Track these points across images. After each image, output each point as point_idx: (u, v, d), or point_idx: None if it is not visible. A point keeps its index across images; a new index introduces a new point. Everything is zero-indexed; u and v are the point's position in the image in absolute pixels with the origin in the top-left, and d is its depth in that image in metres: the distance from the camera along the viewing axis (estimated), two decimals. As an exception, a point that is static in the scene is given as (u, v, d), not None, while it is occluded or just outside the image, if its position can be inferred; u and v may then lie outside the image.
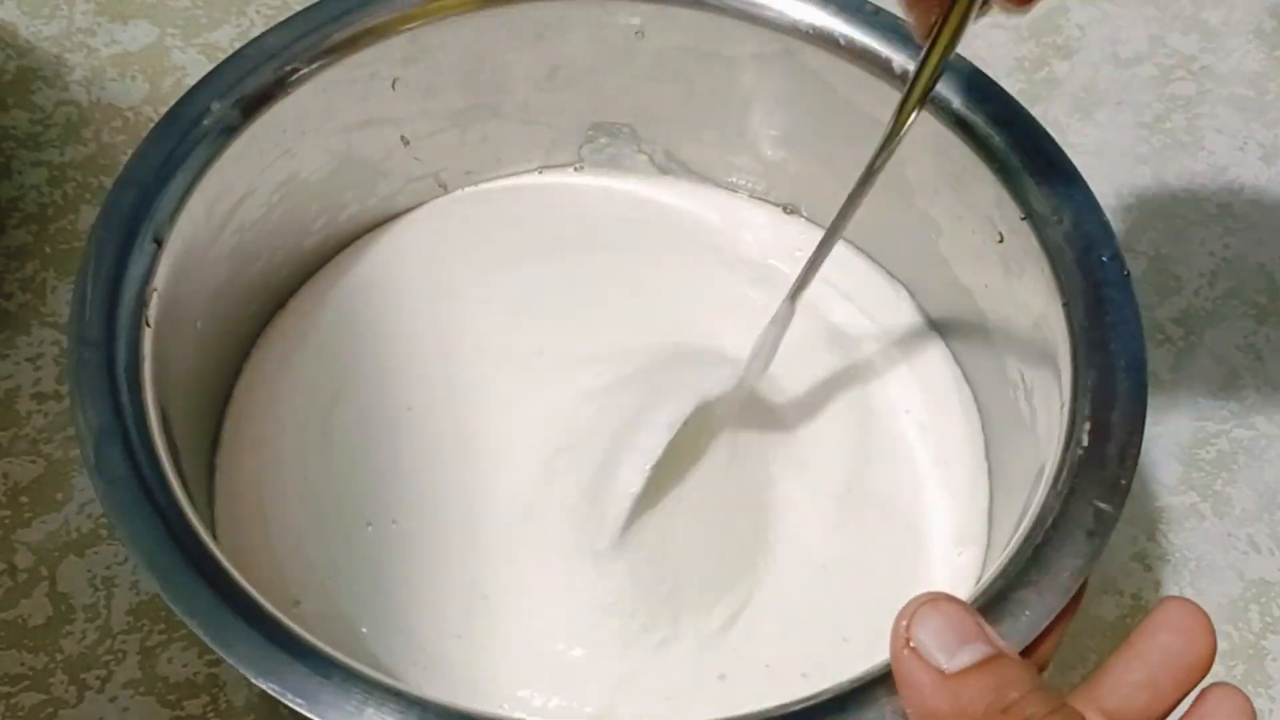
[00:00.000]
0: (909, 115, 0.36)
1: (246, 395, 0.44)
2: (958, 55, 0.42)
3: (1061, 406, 0.37)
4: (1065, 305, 0.38)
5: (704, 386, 0.41)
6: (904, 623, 0.28)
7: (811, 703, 0.31)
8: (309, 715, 0.31)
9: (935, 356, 0.47)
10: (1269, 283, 0.53)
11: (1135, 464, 0.35)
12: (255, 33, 0.43)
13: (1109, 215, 0.40)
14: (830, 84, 0.44)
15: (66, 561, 0.44)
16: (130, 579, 0.44)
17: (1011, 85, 0.42)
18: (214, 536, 0.39)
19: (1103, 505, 0.35)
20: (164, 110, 0.40)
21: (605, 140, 0.49)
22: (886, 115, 0.43)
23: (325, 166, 0.45)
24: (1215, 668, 0.44)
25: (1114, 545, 0.43)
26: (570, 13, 0.44)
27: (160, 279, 0.38)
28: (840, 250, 0.48)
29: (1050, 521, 0.35)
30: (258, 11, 0.57)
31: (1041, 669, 0.33)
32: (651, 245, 0.48)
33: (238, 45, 0.42)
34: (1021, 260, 0.41)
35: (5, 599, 0.43)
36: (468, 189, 0.49)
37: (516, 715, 0.38)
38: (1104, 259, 0.39)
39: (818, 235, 0.42)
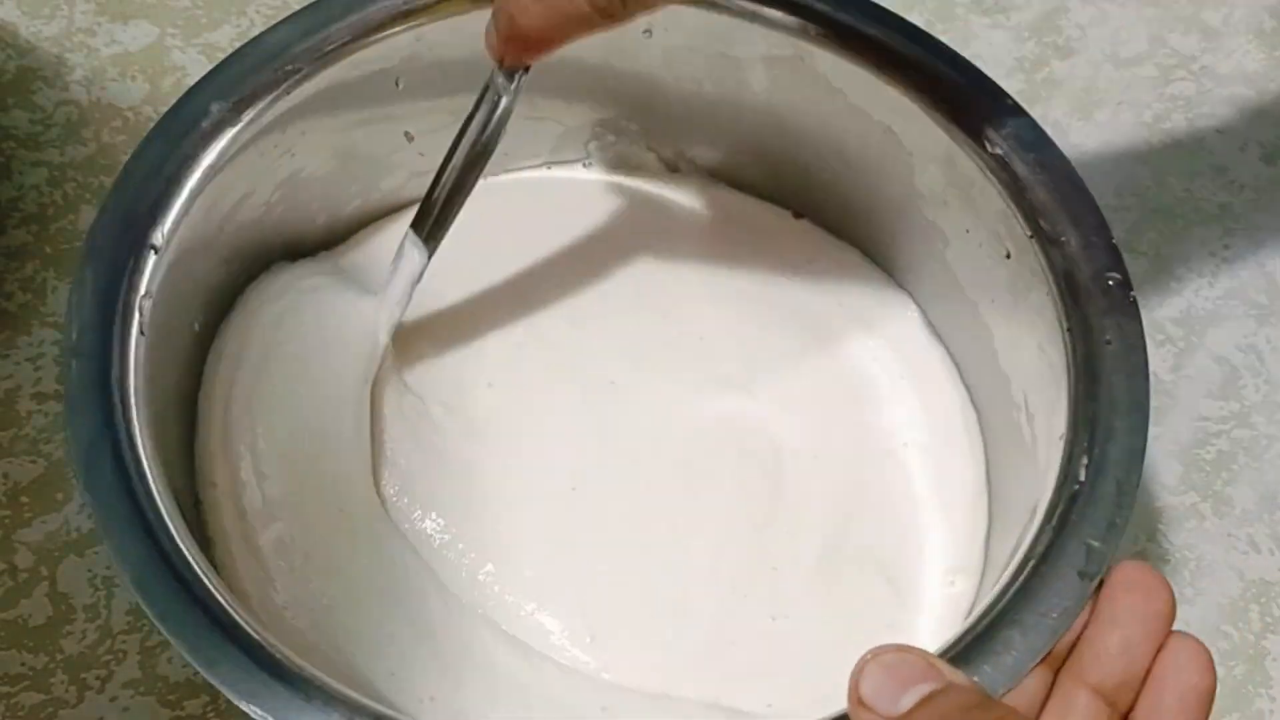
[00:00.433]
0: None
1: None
2: (970, 64, 0.42)
3: (1060, 437, 0.36)
4: (1068, 331, 0.38)
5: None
6: (853, 681, 0.30)
7: None
8: None
9: (941, 373, 0.46)
10: (1269, 283, 0.53)
11: (1132, 502, 0.35)
12: (255, 32, 0.43)
13: (1109, 215, 0.40)
14: (838, 87, 0.44)
15: (67, 561, 0.44)
16: (130, 579, 0.44)
17: (1011, 85, 0.42)
18: (206, 545, 0.38)
19: (1096, 543, 0.34)
20: (164, 110, 0.40)
21: (613, 138, 0.49)
22: (896, 118, 0.43)
23: (328, 163, 0.45)
24: (1215, 667, 0.44)
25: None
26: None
27: (155, 286, 0.37)
28: (850, 257, 0.48)
29: (1040, 557, 0.34)
30: (258, 11, 0.57)
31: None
32: (656, 242, 0.48)
33: (238, 45, 0.42)
34: (1028, 279, 0.40)
35: (5, 599, 0.43)
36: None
37: None
38: (1111, 283, 0.38)
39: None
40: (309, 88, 0.41)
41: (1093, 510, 0.34)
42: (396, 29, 0.42)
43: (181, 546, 0.33)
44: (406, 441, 0.43)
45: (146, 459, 0.35)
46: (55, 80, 0.54)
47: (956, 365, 0.46)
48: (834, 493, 0.43)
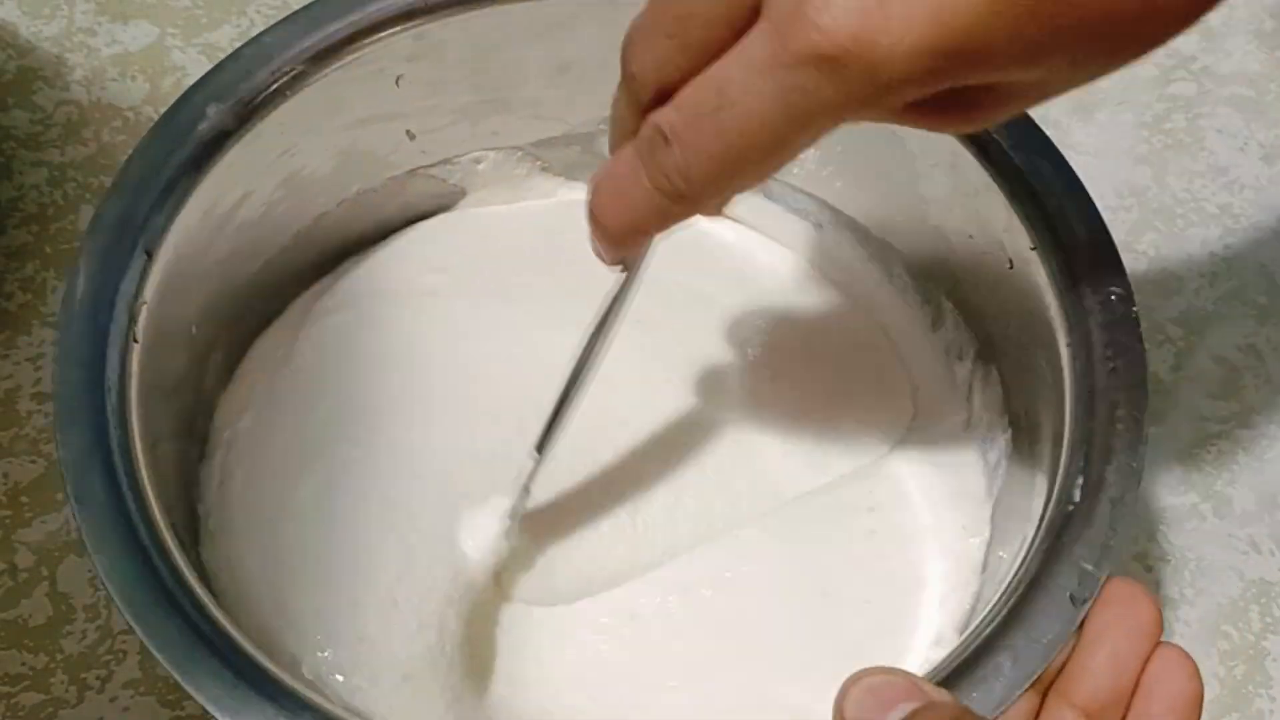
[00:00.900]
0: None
1: (236, 408, 0.43)
2: None
3: (1058, 457, 0.36)
4: (1068, 346, 0.37)
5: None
6: (838, 703, 0.30)
7: None
8: None
9: (944, 375, 0.45)
10: (1269, 283, 0.53)
11: (1128, 525, 0.34)
12: (256, 32, 0.43)
13: (1109, 215, 0.39)
14: None
15: (67, 561, 0.44)
16: (130, 579, 0.44)
17: (1012, 85, 0.42)
18: (200, 559, 0.38)
19: (1089, 567, 0.33)
20: (164, 110, 0.40)
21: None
22: (899, 126, 0.43)
23: (329, 163, 0.44)
24: (1215, 667, 0.45)
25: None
26: (580, 9, 0.44)
27: (150, 291, 0.37)
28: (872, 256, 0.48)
29: (1032, 580, 0.33)
30: (258, 11, 0.57)
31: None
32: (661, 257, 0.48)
33: (238, 45, 0.42)
34: (1029, 291, 0.39)
35: (6, 599, 0.43)
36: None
37: None
38: (1113, 296, 0.37)
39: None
40: (308, 87, 0.41)
41: (1087, 532, 0.34)
42: (396, 28, 0.42)
43: (176, 563, 0.33)
44: None
45: (141, 470, 0.34)
46: (55, 80, 0.54)
47: (965, 372, 0.45)
48: (839, 495, 0.43)
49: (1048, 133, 0.41)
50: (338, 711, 0.31)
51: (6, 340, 0.48)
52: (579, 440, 0.40)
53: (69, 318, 0.36)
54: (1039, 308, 0.39)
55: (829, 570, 0.42)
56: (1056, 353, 0.38)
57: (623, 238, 0.32)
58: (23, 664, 0.42)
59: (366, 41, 0.42)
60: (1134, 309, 0.37)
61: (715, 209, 0.31)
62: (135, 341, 0.36)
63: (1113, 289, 0.37)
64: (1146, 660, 0.33)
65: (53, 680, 0.42)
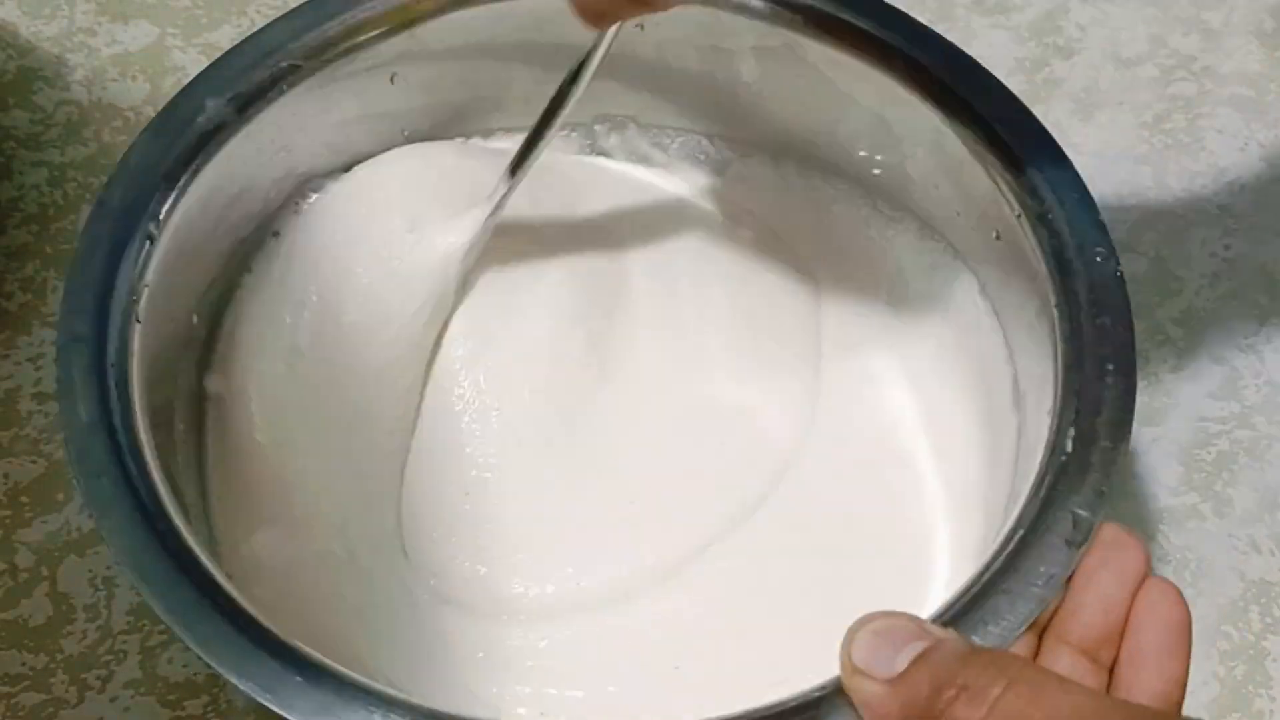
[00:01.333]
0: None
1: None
2: (959, 50, 0.42)
3: (1050, 411, 0.36)
4: (1055, 306, 0.38)
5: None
6: (845, 650, 0.31)
7: (779, 709, 0.31)
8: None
9: (941, 349, 0.46)
10: (1269, 283, 0.53)
11: (1118, 471, 0.35)
12: (255, 32, 0.43)
13: (1109, 215, 0.40)
14: (829, 77, 0.44)
15: (67, 561, 0.44)
16: (131, 579, 0.44)
17: (1012, 85, 0.42)
18: (210, 530, 0.39)
19: (1082, 512, 0.34)
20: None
21: (608, 130, 0.49)
22: (887, 108, 0.43)
23: (324, 160, 0.45)
24: (1215, 667, 0.45)
25: (1114, 545, 0.43)
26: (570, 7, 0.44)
27: (152, 274, 0.38)
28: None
29: (1028, 528, 0.34)
30: (258, 11, 0.57)
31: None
32: (654, 235, 0.48)
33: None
34: (1016, 258, 0.40)
35: (6, 599, 0.43)
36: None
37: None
38: (1098, 258, 0.38)
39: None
40: (305, 84, 0.42)
41: (1080, 479, 0.35)
42: (392, 26, 0.42)
43: (181, 532, 0.33)
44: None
45: (144, 445, 0.35)
46: (56, 80, 0.54)
47: (956, 343, 0.46)
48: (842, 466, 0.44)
49: (1044, 126, 0.41)
50: (345, 672, 0.31)
51: (6, 340, 0.48)
52: (578, 438, 0.40)
53: (72, 292, 0.37)
54: (1026, 275, 0.40)
55: (838, 529, 0.42)
56: (1045, 313, 0.38)
57: (597, 19, 0.36)
58: (23, 664, 0.42)
59: (361, 39, 0.42)
60: (1119, 269, 0.38)
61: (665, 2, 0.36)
62: (138, 321, 0.37)
63: (1097, 251, 0.38)
64: (1133, 593, 0.34)
65: (53, 680, 0.42)
